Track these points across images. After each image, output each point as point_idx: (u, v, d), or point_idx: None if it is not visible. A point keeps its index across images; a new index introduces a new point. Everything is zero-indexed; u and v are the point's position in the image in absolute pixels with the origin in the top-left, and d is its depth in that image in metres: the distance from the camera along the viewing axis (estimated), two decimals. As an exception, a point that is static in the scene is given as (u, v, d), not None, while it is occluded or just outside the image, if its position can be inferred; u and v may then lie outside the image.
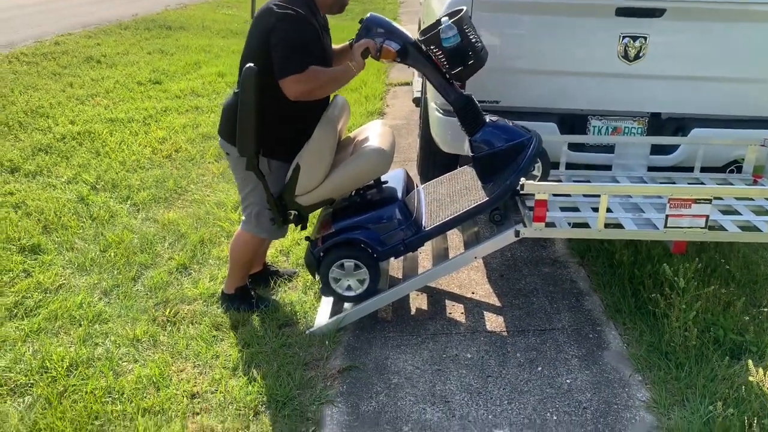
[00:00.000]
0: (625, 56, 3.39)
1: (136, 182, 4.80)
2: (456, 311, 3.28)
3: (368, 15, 2.96)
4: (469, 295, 3.42)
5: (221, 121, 3.02)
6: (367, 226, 2.97)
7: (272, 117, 2.82)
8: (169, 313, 3.20)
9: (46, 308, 3.22)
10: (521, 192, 2.77)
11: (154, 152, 5.46)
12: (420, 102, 4.63)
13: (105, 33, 10.41)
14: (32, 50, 8.63)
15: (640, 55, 3.39)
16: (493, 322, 3.18)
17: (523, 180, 2.76)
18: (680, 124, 3.59)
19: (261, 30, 2.77)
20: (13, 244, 3.80)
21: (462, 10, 2.89)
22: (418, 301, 3.36)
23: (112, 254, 3.75)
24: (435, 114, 3.66)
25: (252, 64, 2.66)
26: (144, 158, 5.31)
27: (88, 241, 3.91)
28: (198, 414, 2.55)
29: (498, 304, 3.34)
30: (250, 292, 3.27)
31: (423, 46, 2.89)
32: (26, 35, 9.79)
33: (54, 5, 13.96)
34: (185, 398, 2.63)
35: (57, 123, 6.00)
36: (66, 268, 3.62)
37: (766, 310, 3.06)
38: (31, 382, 2.70)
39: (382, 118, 6.60)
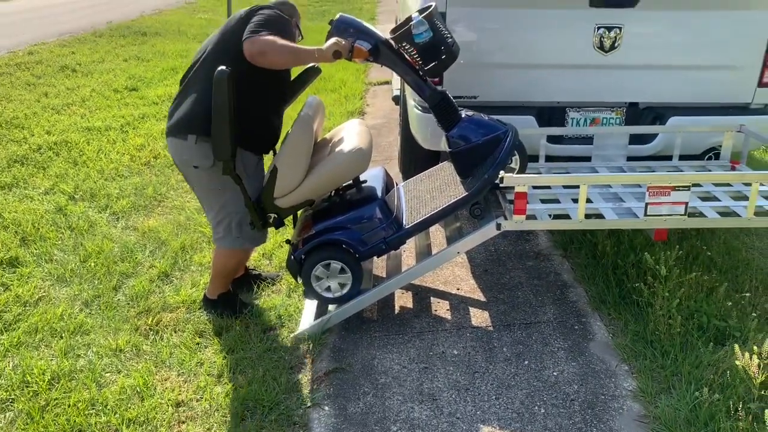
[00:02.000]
0: (601, 47, 3.41)
1: (114, 191, 4.74)
2: (441, 308, 3.27)
3: (338, 15, 2.93)
4: (454, 292, 3.41)
5: (186, 121, 2.81)
6: (347, 227, 2.95)
7: (240, 108, 2.75)
8: (152, 321, 3.16)
9: (26, 321, 3.16)
10: (501, 185, 2.77)
11: (133, 160, 5.40)
12: (399, 100, 4.62)
13: (79, 41, 10.30)
14: (5, 60, 8.52)
15: (616, 45, 3.40)
16: (479, 318, 3.17)
17: (502, 173, 2.75)
18: (658, 113, 3.61)
19: (239, 24, 2.77)
20: (-10, 258, 3.74)
21: (431, 6, 2.88)
22: (403, 300, 3.34)
23: (92, 264, 3.70)
24: (414, 111, 3.65)
25: (223, 67, 2.62)
26: (122, 166, 5.25)
27: (67, 252, 3.86)
28: (183, 422, 2.52)
29: (483, 299, 3.34)
30: (233, 297, 3.24)
31: (395, 44, 2.87)
32: (-1, 46, 9.68)
33: (28, 15, 13.80)
34: (170, 407, 2.59)
35: (32, 133, 5.91)
36: (45, 280, 3.56)
37: (748, 295, 3.08)
38: (12, 397, 2.65)
39: (362, 118, 6.58)
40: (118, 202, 4.55)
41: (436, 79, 3.43)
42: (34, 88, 7.53)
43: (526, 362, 2.83)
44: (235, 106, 2.69)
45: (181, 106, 2.85)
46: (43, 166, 5.19)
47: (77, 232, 4.11)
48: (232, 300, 3.21)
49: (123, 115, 6.60)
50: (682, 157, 3.63)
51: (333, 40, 2.78)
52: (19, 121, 6.22)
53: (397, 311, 3.25)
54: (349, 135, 3.07)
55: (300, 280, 3.04)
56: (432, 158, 3.85)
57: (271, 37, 2.65)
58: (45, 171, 5.10)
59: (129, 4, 16.08)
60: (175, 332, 3.09)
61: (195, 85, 2.85)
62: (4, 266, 3.68)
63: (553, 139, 3.60)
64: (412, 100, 3.68)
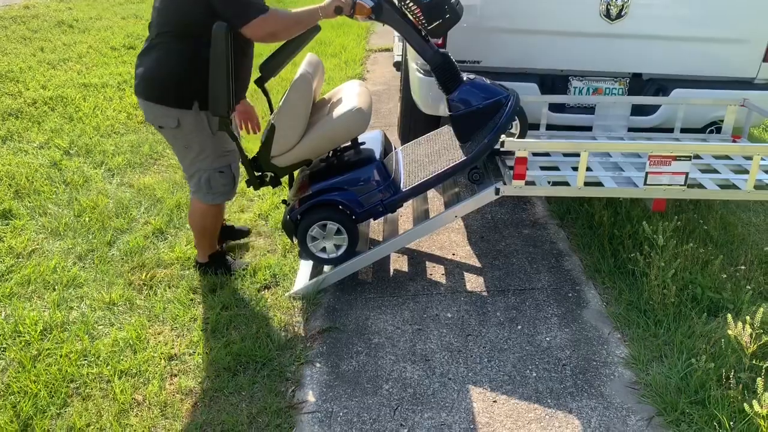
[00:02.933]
0: (607, 15, 3.36)
1: (110, 147, 4.70)
2: (436, 272, 3.26)
3: None
4: (449, 257, 3.40)
5: (147, 84, 2.75)
6: (344, 188, 2.92)
7: (203, 66, 2.63)
8: (146, 276, 3.15)
9: (19, 273, 3.15)
10: (501, 149, 2.75)
11: (129, 117, 5.35)
12: (401, 66, 4.57)
13: (77, -3, 10.13)
14: (0, 14, 8.36)
15: (622, 13, 3.35)
16: (474, 283, 3.17)
17: (503, 137, 2.73)
18: (661, 86, 3.58)
19: None
20: (-16, 210, 3.71)
21: None
22: (399, 263, 3.34)
23: (87, 219, 3.67)
24: (416, 75, 3.61)
25: (221, 22, 2.55)
26: (119, 123, 5.20)
27: (61, 206, 3.83)
28: (176, 375, 2.53)
29: (478, 265, 3.33)
30: (224, 255, 3.22)
31: (398, 3, 2.82)
32: (-6, -1, 9.51)
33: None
34: (163, 360, 2.60)
35: (28, 87, 5.83)
36: (39, 233, 3.54)
37: (743, 268, 3.09)
38: (4, 346, 2.65)
39: (362, 84, 6.51)
40: (114, 158, 4.51)
41: (440, 42, 3.38)
42: (29, 42, 7.41)
43: (519, 327, 2.84)
44: (203, 62, 2.61)
45: (141, 68, 2.77)
46: (38, 121, 5.12)
47: (72, 187, 4.07)
48: (224, 258, 3.20)
49: (120, 72, 6.51)
50: (683, 131, 3.61)
51: None
52: (14, 75, 6.13)
53: (392, 274, 3.25)
54: (349, 95, 3.03)
55: (296, 241, 3.03)
56: (432, 124, 3.81)
57: (270, 17, 2.60)
58: (40, 125, 5.04)
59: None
60: (169, 288, 3.08)
61: (156, 49, 2.74)
62: (-2, 218, 3.66)
63: (554, 108, 3.57)
64: (414, 63, 3.64)
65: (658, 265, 2.94)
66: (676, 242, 3.10)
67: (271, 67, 3.00)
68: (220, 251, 3.21)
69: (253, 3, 2.59)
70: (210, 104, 2.68)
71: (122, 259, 3.32)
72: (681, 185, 2.82)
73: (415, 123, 4.02)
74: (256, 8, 2.59)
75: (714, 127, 3.73)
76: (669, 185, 2.82)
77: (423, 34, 2.87)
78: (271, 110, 3.09)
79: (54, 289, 3.03)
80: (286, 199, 3.15)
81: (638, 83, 3.62)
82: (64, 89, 5.84)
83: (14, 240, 3.43)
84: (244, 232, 3.51)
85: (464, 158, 2.90)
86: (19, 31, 7.77)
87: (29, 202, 3.84)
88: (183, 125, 2.77)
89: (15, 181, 4.06)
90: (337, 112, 2.91)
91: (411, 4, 2.76)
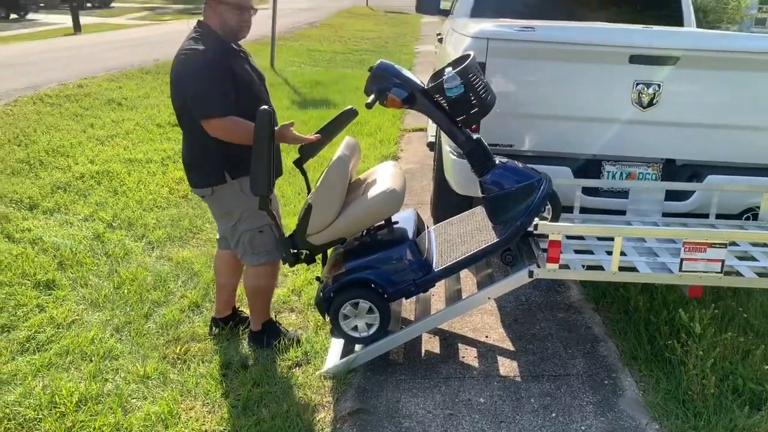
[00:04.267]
0: (639, 102, 3.42)
1: (152, 221, 4.85)
2: (469, 355, 3.24)
3: (378, 62, 3.01)
4: (482, 339, 3.38)
5: (191, 173, 3.06)
6: (377, 266, 2.96)
7: (215, 147, 2.89)
8: (180, 350, 3.19)
9: (58, 343, 3.22)
10: (535, 232, 2.77)
11: (171, 192, 5.53)
12: (434, 146, 4.68)
13: (127, 77, 10.68)
14: (56, 92, 8.86)
15: (654, 101, 3.41)
16: (507, 367, 3.13)
17: (537, 220, 2.76)
18: (695, 171, 3.59)
19: (174, 76, 2.88)
20: (29, 280, 3.83)
21: (469, 56, 2.93)
22: (431, 344, 3.32)
23: (126, 291, 3.76)
24: (449, 156, 3.69)
25: (266, 107, 2.71)
26: (161, 198, 5.38)
27: (102, 278, 3.94)
28: (205, 453, 2.52)
29: (512, 348, 3.30)
30: (275, 324, 3.28)
31: (431, 93, 2.93)
32: (51, 78, 10.08)
33: (81, 51, 14.41)
34: (193, 437, 2.60)
35: (77, 162, 6.11)
36: (79, 303, 3.63)
37: (786, 359, 3.00)
38: (40, 417, 2.68)
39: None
40: (155, 232, 4.65)
41: (474, 126, 3.47)
42: (81, 119, 7.80)
43: (554, 414, 2.77)
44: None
45: (183, 148, 3.10)
46: (85, 194, 5.33)
47: (113, 259, 4.19)
48: (276, 327, 3.25)
49: (164, 149, 6.78)
50: (719, 216, 3.59)
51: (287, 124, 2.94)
52: (65, 150, 6.44)
53: (423, 355, 3.23)
54: (383, 176, 3.12)
55: (328, 318, 3.05)
56: (464, 204, 3.86)
57: (226, 123, 2.79)
58: (86, 198, 5.24)
59: (176, 44, 16.68)
60: (203, 362, 3.11)
61: (183, 131, 3.04)
62: (41, 288, 3.77)
63: (588, 191, 3.59)
64: (448, 145, 3.73)
65: (697, 354, 2.87)
66: (714, 330, 3.04)
67: (310, 149, 3.12)
68: (272, 320, 3.26)
69: (210, 101, 2.78)
70: (251, 184, 2.79)
71: (158, 332, 3.37)
72: (717, 272, 2.79)
73: (447, 202, 4.08)
74: (214, 108, 2.78)
75: (750, 214, 3.70)
76: (705, 272, 2.80)
77: (455, 120, 2.96)
78: (308, 190, 3.19)
79: (91, 361, 3.09)
80: (319, 276, 3.19)
81: (672, 168, 3.64)
82: (111, 164, 6.10)
83: (56, 310, 3.52)
84: (243, 318, 3.44)
85: (497, 240, 2.92)
86: (72, 108, 8.20)
87: (72, 273, 3.96)
88: (217, 192, 2.98)
89: (59, 252, 4.20)
90: (372, 192, 2.99)
91: (440, 97, 2.88)
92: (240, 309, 3.49)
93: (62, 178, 5.63)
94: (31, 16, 27.95)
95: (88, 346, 3.21)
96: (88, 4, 30.92)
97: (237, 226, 3.04)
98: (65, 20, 23.59)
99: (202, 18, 2.95)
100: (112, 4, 35.49)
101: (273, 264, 3.18)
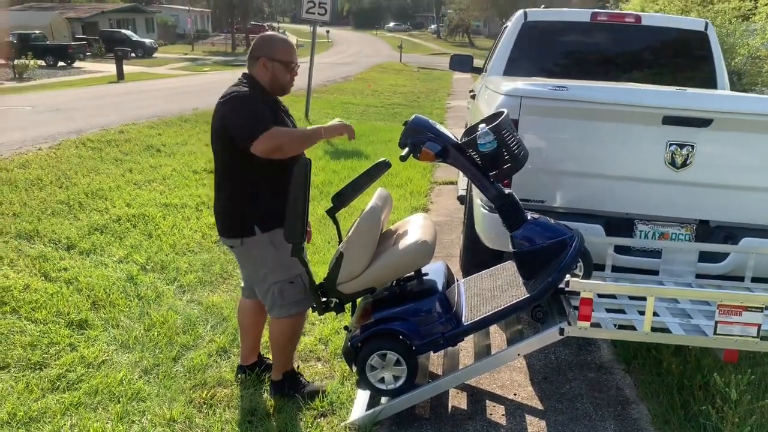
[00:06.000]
0: (672, 163, 3.42)
1: (184, 265, 4.93)
2: (497, 413, 3.18)
3: (413, 117, 3.09)
4: (510, 397, 3.32)
5: (220, 222, 3.09)
6: (406, 318, 2.96)
7: (255, 190, 2.96)
8: (206, 395, 3.20)
9: (88, 383, 3.25)
10: (566, 289, 2.75)
11: (204, 237, 5.63)
12: (464, 200, 4.71)
13: (166, 124, 11.02)
14: (98, 137, 9.17)
15: (687, 162, 3.41)
16: (536, 426, 3.07)
17: (568, 277, 2.75)
18: (729, 233, 3.55)
19: (217, 115, 2.94)
20: (62, 318, 3.90)
21: (503, 113, 2.99)
22: (458, 400, 3.28)
23: (156, 333, 3.81)
24: (480, 210, 3.71)
25: (304, 157, 2.79)
26: (194, 242, 5.47)
27: (133, 320, 3.99)
28: (228, 501, 2.49)
29: (541, 407, 3.23)
30: (297, 375, 3.26)
31: (464, 147, 2.99)
32: (95, 123, 10.46)
33: (124, 98, 14.94)
34: (216, 484, 2.58)
35: (114, 205, 6.27)
36: (110, 344, 3.68)
37: (827, 430, 2.89)
38: (66, 456, 2.70)
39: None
40: (186, 276, 4.72)
41: (506, 181, 3.51)
42: (120, 163, 8.04)
43: (583, 478, 2.70)
44: (256, 184, 2.94)
45: (215, 197, 3.16)
46: (120, 236, 5.46)
47: (145, 301, 4.26)
48: (297, 378, 3.23)
49: (199, 194, 6.93)
50: (755, 280, 3.53)
51: (336, 120, 3.04)
52: (104, 193, 6.62)
53: (450, 411, 3.18)
54: (414, 228, 3.15)
55: (355, 369, 3.04)
56: (494, 258, 3.86)
57: (272, 133, 2.81)
58: (121, 241, 5.36)
59: (214, 93, 17.21)
60: (229, 408, 3.11)
61: (216, 188, 3.12)
62: (74, 327, 3.83)
63: (620, 250, 3.57)
64: (479, 199, 3.76)
65: (732, 421, 2.79)
66: (750, 397, 2.95)
67: (343, 198, 3.17)
68: (293, 371, 3.25)
69: (251, 123, 2.83)
70: (285, 231, 2.85)
71: (185, 375, 3.39)
72: (753, 337, 2.73)
73: (477, 256, 4.08)
74: (256, 128, 2.81)
75: (788, 278, 3.63)
76: (741, 336, 2.74)
77: (487, 175, 3.00)
78: (340, 239, 3.22)
79: (119, 401, 3.11)
80: (348, 325, 3.20)
81: (706, 230, 3.60)
82: (147, 208, 6.25)
83: (87, 350, 3.57)
84: (268, 366, 3.44)
85: (528, 296, 2.91)
86: (112, 153, 8.46)
87: (104, 314, 4.03)
88: (246, 244, 3.00)
89: (93, 293, 4.28)
90: (403, 243, 3.02)
91: (473, 152, 2.93)
92: (266, 356, 3.49)
93: (100, 220, 5.78)
94: (77, 64, 29.20)
95: (117, 386, 3.24)
96: (132, 54, 32.19)
97: (267, 278, 3.05)
98: (109, 68, 24.62)
99: (246, 71, 3.06)
100: (155, 55, 36.94)
101: (300, 315, 3.18)
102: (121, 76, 21.31)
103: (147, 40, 38.35)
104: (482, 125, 2.99)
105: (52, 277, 4.50)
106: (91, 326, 3.87)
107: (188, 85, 20.15)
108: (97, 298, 4.23)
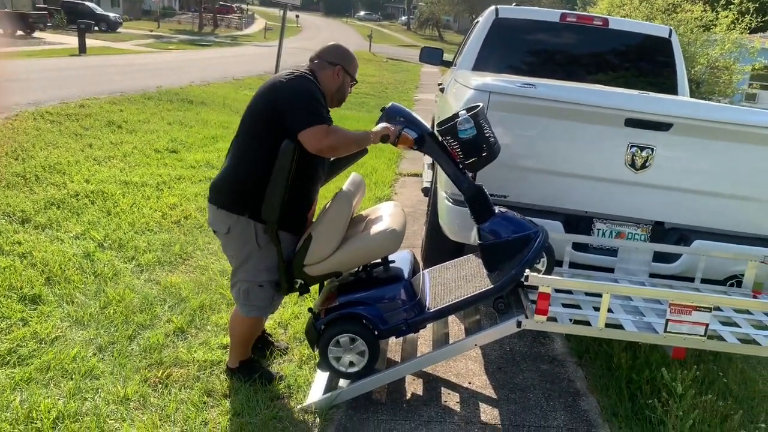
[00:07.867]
0: (632, 165, 3.52)
1: (143, 244, 4.85)
2: (451, 400, 3.24)
3: (390, 104, 3.12)
4: (465, 385, 3.39)
5: (216, 190, 2.99)
6: (371, 303, 2.99)
7: (262, 176, 2.88)
8: (162, 374, 3.17)
9: (40, 358, 3.19)
10: (525, 283, 2.81)
11: (164, 217, 5.55)
12: (429, 192, 4.75)
13: (129, 101, 10.78)
14: (57, 110, 8.92)
15: (647, 164, 3.51)
16: (489, 414, 3.13)
17: (527, 272, 2.81)
18: (683, 235, 3.67)
19: (270, 89, 2.88)
20: (15, 293, 3.81)
21: (479, 106, 3.05)
22: (414, 386, 3.32)
23: (112, 311, 3.75)
24: (445, 203, 3.76)
25: (290, 141, 2.78)
26: (153, 222, 5.39)
27: (88, 297, 3.92)
28: (181, 480, 2.49)
29: (494, 396, 3.30)
30: (254, 364, 3.24)
31: (439, 137, 3.03)
32: (54, 96, 10.16)
33: (85, 72, 14.56)
34: (170, 463, 2.57)
35: (72, 180, 6.12)
36: (64, 320, 3.61)
37: (763, 426, 3.02)
38: (16, 431, 2.65)
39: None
40: (145, 255, 4.65)
41: (471, 175, 3.55)
42: (80, 138, 7.84)
43: (533, 466, 2.77)
44: (289, 178, 2.83)
45: (217, 176, 3.05)
46: (78, 212, 5.34)
47: (101, 279, 4.18)
48: (252, 367, 3.21)
49: (160, 174, 6.82)
50: (703, 281, 3.66)
51: (383, 124, 2.96)
52: (62, 167, 6.45)
53: (407, 397, 3.23)
54: (385, 215, 3.18)
55: (316, 350, 3.06)
56: (456, 250, 3.91)
57: (332, 129, 2.81)
58: (79, 217, 5.24)
59: (179, 72, 16.90)
60: (184, 388, 3.09)
61: (229, 159, 3.02)
62: (27, 302, 3.75)
63: (578, 247, 3.66)
64: (444, 192, 3.80)
65: (676, 414, 2.90)
66: (695, 392, 3.07)
67: None
68: (250, 359, 3.24)
69: (315, 111, 2.81)
70: (263, 209, 2.83)
71: (141, 354, 3.35)
72: (701, 335, 2.84)
73: (439, 248, 4.13)
74: (319, 117, 2.80)
75: (735, 281, 3.78)
76: (689, 334, 2.84)
77: (460, 166, 3.04)
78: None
79: (71, 378, 3.06)
80: (312, 307, 3.21)
81: (660, 231, 3.71)
82: (106, 185, 6.12)
83: (39, 325, 3.50)
84: (282, 349, 3.53)
85: (490, 287, 2.97)
86: (72, 127, 8.24)
87: (58, 290, 3.94)
88: (232, 232, 2.94)
89: (48, 268, 4.18)
90: (373, 230, 3.04)
91: (451, 139, 2.96)
92: (267, 333, 3.56)
93: (57, 194, 5.63)
94: (37, 34, 28.27)
95: (70, 363, 3.18)
96: (95, 28, 31.32)
97: (238, 272, 3.03)
98: (71, 41, 23.90)
99: (312, 67, 3.03)
100: (120, 30, 36.01)
101: (259, 320, 3.18)
102: (83, 49, 20.70)
103: (111, 14, 37.35)
104: (462, 112, 3.03)
105: (5, 250, 4.38)
106: (45, 302, 3.78)
107: (152, 63, 19.74)
108: (51, 273, 4.14)
